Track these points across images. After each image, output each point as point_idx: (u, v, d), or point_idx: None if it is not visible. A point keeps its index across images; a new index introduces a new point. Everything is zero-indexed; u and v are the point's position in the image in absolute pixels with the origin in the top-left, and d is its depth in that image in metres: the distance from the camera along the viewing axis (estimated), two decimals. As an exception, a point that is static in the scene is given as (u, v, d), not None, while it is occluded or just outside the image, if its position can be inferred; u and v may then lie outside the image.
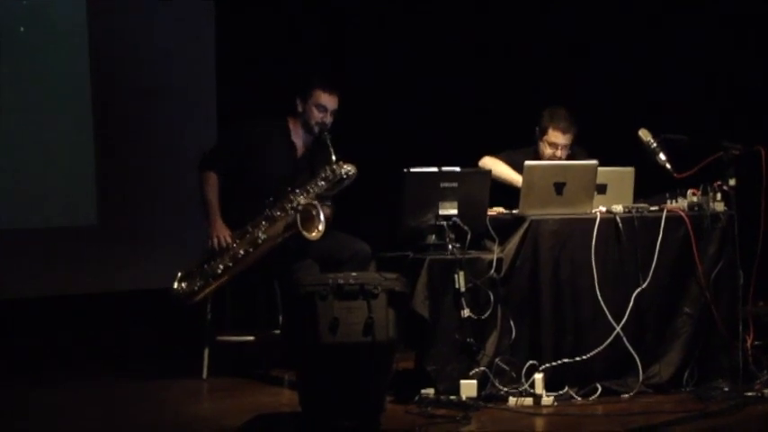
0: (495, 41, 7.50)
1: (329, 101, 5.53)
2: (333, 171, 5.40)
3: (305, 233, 5.31)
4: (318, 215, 5.31)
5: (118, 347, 6.66)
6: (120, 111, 7.32)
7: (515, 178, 5.58)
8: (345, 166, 5.40)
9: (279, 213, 5.40)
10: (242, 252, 5.42)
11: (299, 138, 5.61)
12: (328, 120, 5.52)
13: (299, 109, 5.56)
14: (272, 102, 5.78)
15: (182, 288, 5.45)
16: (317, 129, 5.51)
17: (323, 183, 5.40)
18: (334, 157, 5.39)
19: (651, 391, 5.15)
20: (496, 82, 7.43)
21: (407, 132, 7.30)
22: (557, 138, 5.75)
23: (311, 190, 5.40)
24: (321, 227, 5.31)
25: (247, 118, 5.75)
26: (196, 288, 5.44)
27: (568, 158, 5.78)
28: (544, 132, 5.78)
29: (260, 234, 5.40)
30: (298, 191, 5.40)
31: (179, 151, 6.69)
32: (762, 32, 7.01)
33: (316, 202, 5.34)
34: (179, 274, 5.47)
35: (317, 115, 5.51)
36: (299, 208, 5.34)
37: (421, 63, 7.47)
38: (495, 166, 5.70)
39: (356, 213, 6.43)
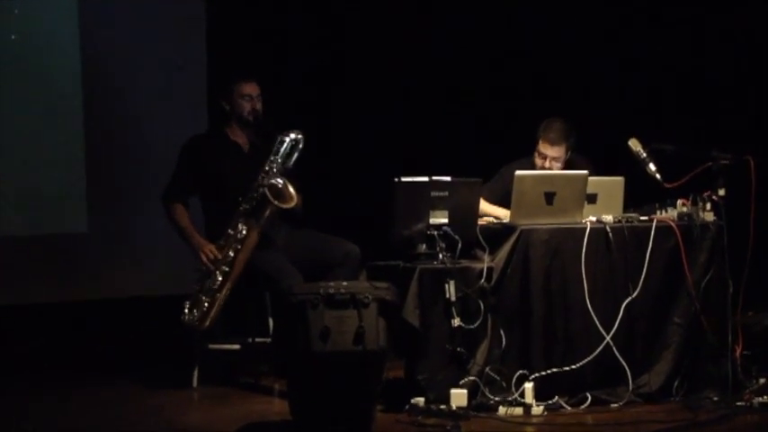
0: (487, 51, 7.51)
1: (250, 88, 5.69)
2: (281, 142, 5.51)
3: (279, 203, 5.39)
4: (286, 186, 5.41)
5: (108, 355, 6.65)
6: (111, 117, 7.30)
7: (498, 213, 5.64)
8: (290, 134, 5.52)
9: (249, 204, 5.46)
10: (232, 253, 5.44)
11: (238, 137, 5.73)
12: (258, 105, 5.67)
13: (227, 108, 5.71)
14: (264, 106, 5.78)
15: (193, 315, 5.46)
16: (251, 117, 5.65)
17: (276, 157, 5.50)
18: (277, 134, 5.51)
19: (641, 400, 5.16)
20: (488, 90, 7.44)
21: (399, 141, 7.30)
22: (545, 149, 5.77)
23: (269, 168, 5.49)
24: (292, 190, 5.42)
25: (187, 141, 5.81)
26: (205, 308, 5.45)
27: (567, 167, 5.79)
28: (537, 142, 5.81)
29: (240, 228, 5.45)
30: (259, 176, 5.48)
31: (170, 158, 6.66)
32: (753, 43, 7.04)
33: (278, 178, 5.43)
34: (186, 305, 5.48)
35: (245, 105, 5.66)
36: (265, 183, 5.42)
37: (415, 71, 7.48)
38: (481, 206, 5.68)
39: (347, 222, 6.45)
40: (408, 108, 7.43)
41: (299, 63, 7.33)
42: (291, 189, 5.42)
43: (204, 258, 5.48)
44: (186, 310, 5.47)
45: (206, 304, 5.45)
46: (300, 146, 5.51)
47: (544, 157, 5.77)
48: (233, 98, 5.68)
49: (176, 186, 5.69)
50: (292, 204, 5.42)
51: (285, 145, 5.50)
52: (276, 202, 5.39)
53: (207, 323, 5.46)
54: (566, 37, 7.34)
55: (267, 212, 5.42)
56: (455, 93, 7.50)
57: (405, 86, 7.44)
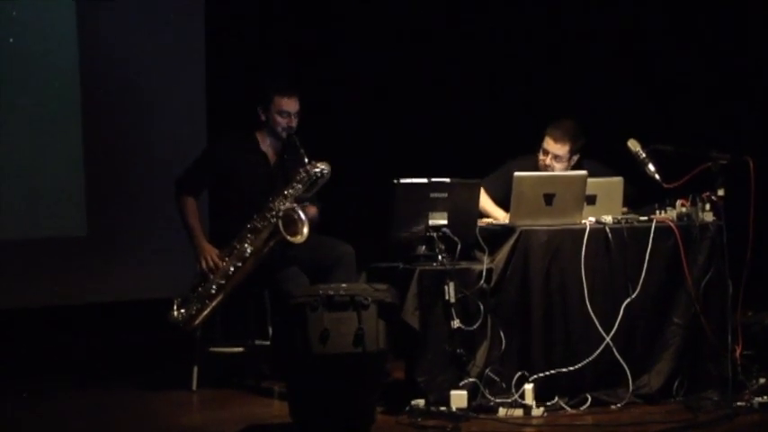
0: (487, 50, 7.51)
1: (290, 105, 5.56)
2: (306, 172, 5.43)
3: (289, 237, 5.34)
4: (300, 218, 5.34)
5: (107, 359, 6.64)
6: (110, 121, 7.30)
7: (497, 214, 5.61)
8: (319, 165, 5.43)
9: (262, 224, 5.42)
10: (232, 269, 5.43)
11: (268, 146, 5.65)
12: (294, 123, 5.56)
13: (263, 118, 5.60)
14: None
15: (181, 315, 5.45)
16: (284, 134, 5.56)
17: (299, 185, 5.43)
18: (306, 159, 5.43)
19: (641, 401, 5.16)
20: (488, 91, 7.44)
21: (398, 143, 7.30)
22: (547, 144, 5.71)
23: (288, 194, 5.42)
24: (305, 229, 5.34)
25: (217, 137, 5.75)
26: (194, 312, 5.45)
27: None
28: (542, 138, 5.77)
29: (246, 247, 5.42)
30: (276, 198, 5.42)
31: (169, 161, 6.67)
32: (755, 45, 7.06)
33: (295, 206, 5.37)
34: (176, 302, 5.48)
35: (281, 121, 5.55)
36: (280, 214, 5.37)
37: (412, 71, 7.47)
38: (482, 201, 5.65)
39: (346, 224, 6.45)
40: (406, 108, 7.43)
41: (297, 62, 7.32)
42: (305, 229, 5.32)
43: (204, 264, 5.47)
44: (175, 308, 5.46)
45: (195, 308, 5.45)
46: (325, 179, 5.43)
47: (546, 153, 5.70)
48: (270, 110, 5.55)
49: (192, 178, 5.62)
50: (299, 240, 5.33)
51: (310, 176, 5.41)
52: (285, 234, 5.34)
53: (193, 326, 5.46)
54: (569, 35, 7.34)
55: (273, 243, 5.39)
56: (453, 91, 7.50)
57: (403, 85, 7.44)
